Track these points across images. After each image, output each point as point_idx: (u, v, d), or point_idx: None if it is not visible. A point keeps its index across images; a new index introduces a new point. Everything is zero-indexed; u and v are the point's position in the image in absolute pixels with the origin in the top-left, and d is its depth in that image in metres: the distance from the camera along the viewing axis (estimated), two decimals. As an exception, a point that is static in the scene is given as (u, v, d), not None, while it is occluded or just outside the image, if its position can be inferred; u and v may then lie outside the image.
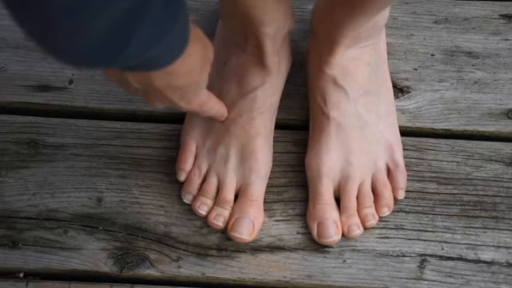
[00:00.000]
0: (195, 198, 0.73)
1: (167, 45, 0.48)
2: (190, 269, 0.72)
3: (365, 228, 0.72)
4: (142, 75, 0.54)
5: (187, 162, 0.73)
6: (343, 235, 0.71)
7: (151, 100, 0.60)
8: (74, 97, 0.80)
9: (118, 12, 0.39)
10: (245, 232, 0.71)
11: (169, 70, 0.53)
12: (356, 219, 0.71)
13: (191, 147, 0.74)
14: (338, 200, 0.72)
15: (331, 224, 0.71)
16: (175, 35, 0.48)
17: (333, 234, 0.71)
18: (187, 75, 0.56)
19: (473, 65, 0.81)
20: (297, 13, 0.75)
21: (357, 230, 0.71)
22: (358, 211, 0.72)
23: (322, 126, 0.72)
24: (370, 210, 0.71)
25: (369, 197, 0.72)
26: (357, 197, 0.72)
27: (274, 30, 0.69)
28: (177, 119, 0.78)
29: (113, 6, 0.38)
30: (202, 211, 0.72)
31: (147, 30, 0.42)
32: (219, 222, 0.71)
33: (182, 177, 0.74)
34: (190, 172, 0.73)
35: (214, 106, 0.68)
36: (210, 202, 0.72)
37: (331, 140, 0.72)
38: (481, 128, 0.78)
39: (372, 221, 0.72)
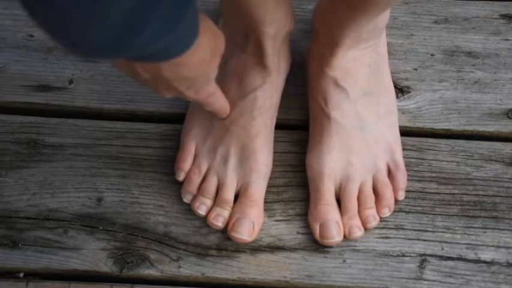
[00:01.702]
0: (194, 198, 0.73)
1: (177, 36, 0.48)
2: (190, 269, 0.72)
3: (366, 230, 0.72)
4: (151, 66, 0.54)
5: (186, 162, 0.73)
6: (344, 236, 0.71)
7: (159, 90, 0.59)
8: (74, 97, 0.80)
9: (131, 2, 0.39)
10: (245, 233, 0.71)
11: (178, 61, 0.53)
12: (357, 221, 0.71)
13: (190, 146, 0.74)
14: (339, 200, 0.72)
15: (333, 224, 0.71)
16: (186, 25, 0.48)
17: (335, 235, 0.71)
18: (197, 66, 0.56)
19: (473, 65, 0.81)
20: (297, 13, 0.75)
21: (358, 232, 0.71)
22: (359, 212, 0.71)
23: (323, 126, 0.72)
24: (371, 212, 0.71)
25: (370, 197, 0.72)
26: (358, 198, 0.72)
27: (275, 30, 0.69)
28: (177, 119, 0.78)
29: None
30: (202, 211, 0.72)
31: (159, 20, 0.42)
32: (219, 223, 0.71)
33: (181, 176, 0.74)
34: (190, 171, 0.73)
35: (220, 100, 0.68)
36: (209, 202, 0.72)
37: (331, 141, 0.72)
38: (481, 128, 0.78)
39: (373, 222, 0.72)
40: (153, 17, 0.41)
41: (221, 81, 0.72)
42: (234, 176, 0.72)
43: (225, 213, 0.72)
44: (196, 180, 0.73)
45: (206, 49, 0.56)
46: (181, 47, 0.51)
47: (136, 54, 0.48)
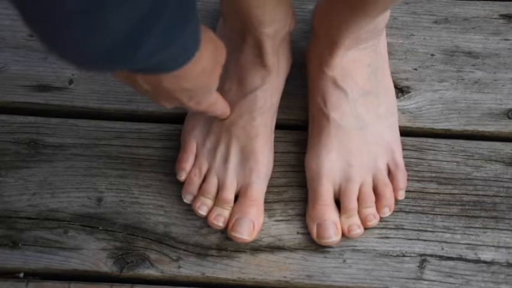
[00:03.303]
0: (195, 198, 0.73)
1: (178, 48, 0.48)
2: (190, 269, 0.72)
3: (366, 228, 0.72)
4: (152, 77, 0.54)
5: (188, 162, 0.73)
6: (343, 235, 0.71)
7: (160, 101, 0.60)
8: (74, 97, 0.80)
9: (131, 16, 0.38)
10: (245, 232, 0.71)
11: (179, 73, 0.53)
12: (356, 219, 0.71)
13: (192, 146, 0.74)
14: (338, 201, 0.72)
15: (330, 224, 0.71)
16: (187, 38, 0.48)
17: (332, 235, 0.71)
18: (198, 78, 0.56)
19: (473, 65, 0.81)
20: (297, 13, 0.75)
21: (357, 230, 0.71)
22: (359, 211, 0.71)
23: (322, 127, 0.72)
24: (371, 210, 0.71)
25: (370, 197, 0.71)
26: (358, 198, 0.72)
27: (274, 30, 0.69)
28: (177, 119, 0.78)
29: (126, 9, 0.38)
30: (202, 211, 0.72)
31: (159, 33, 0.42)
32: (220, 223, 0.71)
33: (182, 176, 0.74)
34: (190, 172, 0.73)
35: (221, 107, 0.68)
36: (210, 202, 0.72)
37: (330, 141, 0.72)
38: (481, 128, 0.78)
39: (373, 220, 0.71)
40: (151, 31, 0.41)
41: (221, 81, 0.72)
42: (234, 176, 0.72)
43: (226, 213, 0.72)
44: (197, 180, 0.73)
45: (207, 61, 0.56)
46: (183, 59, 0.51)
47: (136, 66, 0.48)
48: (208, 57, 0.56)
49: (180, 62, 0.51)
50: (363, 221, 0.71)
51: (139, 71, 0.53)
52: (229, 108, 0.72)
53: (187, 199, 0.73)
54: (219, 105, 0.67)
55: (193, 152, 0.74)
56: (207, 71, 0.57)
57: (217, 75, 0.60)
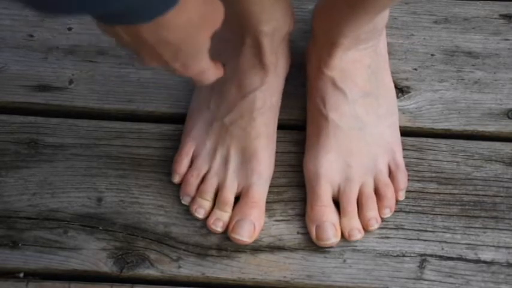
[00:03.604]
0: (192, 200, 0.72)
1: None
2: (190, 269, 0.72)
3: (367, 232, 0.72)
4: (131, 27, 0.49)
5: (182, 164, 0.73)
6: (344, 239, 0.71)
7: (143, 57, 0.54)
8: (74, 97, 0.80)
9: None
10: (246, 234, 0.71)
11: (158, 21, 0.48)
12: (357, 224, 0.71)
13: (188, 148, 0.73)
14: (338, 202, 0.72)
15: (329, 226, 0.70)
16: None
17: (331, 237, 0.70)
18: (181, 30, 0.50)
19: (473, 65, 0.81)
20: (297, 13, 0.75)
21: (358, 235, 0.71)
22: (361, 214, 0.71)
23: (321, 127, 0.72)
24: (373, 214, 0.71)
25: (371, 199, 0.71)
26: (359, 199, 0.71)
27: (273, 29, 0.69)
28: (177, 119, 0.78)
29: None
30: (199, 215, 0.72)
31: None
32: (218, 228, 0.71)
33: (176, 179, 0.73)
34: (188, 173, 0.73)
35: (213, 77, 0.60)
36: (207, 204, 0.72)
37: (329, 142, 0.71)
38: (481, 128, 0.78)
39: (375, 225, 0.71)
40: None
41: (220, 83, 0.72)
42: (235, 178, 0.72)
43: (225, 216, 0.71)
44: (194, 181, 0.72)
45: (194, 12, 0.50)
46: (161, 7, 0.47)
47: (104, 10, 0.44)
48: (196, 8, 0.50)
49: (156, 10, 0.47)
50: (365, 225, 0.71)
51: (115, 21, 0.48)
52: (229, 109, 0.70)
53: (185, 201, 0.73)
54: (210, 74, 0.59)
55: (188, 154, 0.73)
56: (194, 25, 0.51)
57: (207, 35, 0.54)
